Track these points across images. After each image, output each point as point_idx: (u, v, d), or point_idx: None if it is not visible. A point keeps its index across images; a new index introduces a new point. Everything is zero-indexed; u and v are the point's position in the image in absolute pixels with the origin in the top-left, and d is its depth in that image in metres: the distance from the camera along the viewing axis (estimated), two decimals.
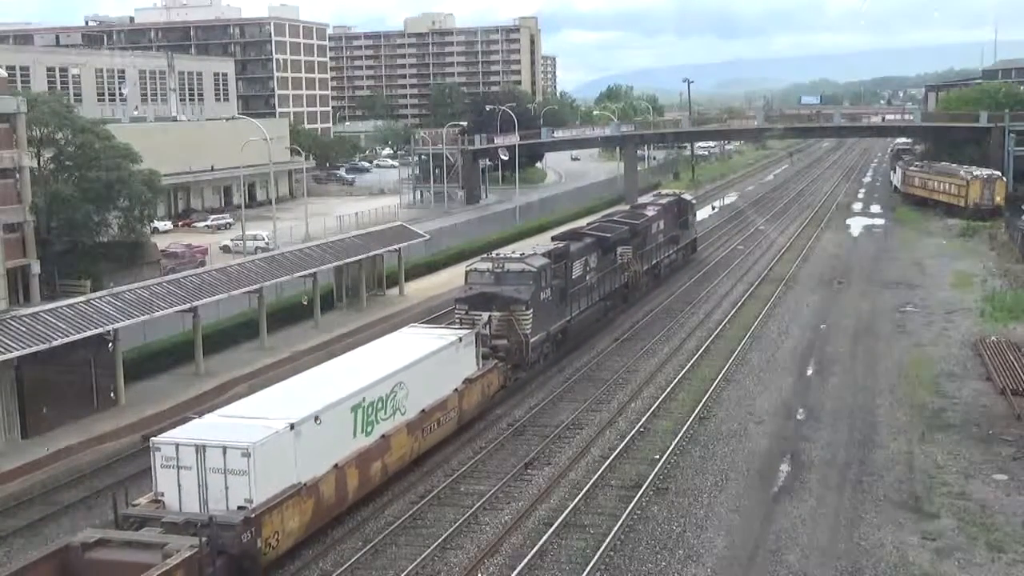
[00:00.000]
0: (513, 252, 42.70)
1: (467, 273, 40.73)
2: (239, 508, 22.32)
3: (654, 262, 57.65)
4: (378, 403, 27.59)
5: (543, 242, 49.80)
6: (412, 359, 30.14)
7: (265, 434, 23.14)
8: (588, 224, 56.46)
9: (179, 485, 22.88)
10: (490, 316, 36.83)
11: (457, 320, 36.74)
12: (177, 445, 23.03)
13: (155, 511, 22.81)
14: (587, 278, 45.47)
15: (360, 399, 26.81)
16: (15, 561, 23.48)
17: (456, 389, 32.02)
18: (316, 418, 24.72)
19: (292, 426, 23.84)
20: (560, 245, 44.85)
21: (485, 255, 44.34)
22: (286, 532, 23.26)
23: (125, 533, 22.19)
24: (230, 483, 22.49)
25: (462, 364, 32.91)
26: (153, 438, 23.99)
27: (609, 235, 49.93)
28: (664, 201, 64.88)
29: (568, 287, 42.80)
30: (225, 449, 22.52)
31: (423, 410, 29.81)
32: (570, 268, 43.23)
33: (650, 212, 59.59)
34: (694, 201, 76.75)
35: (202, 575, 20.65)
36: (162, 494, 23.09)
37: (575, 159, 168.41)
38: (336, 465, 25.31)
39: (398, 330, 35.74)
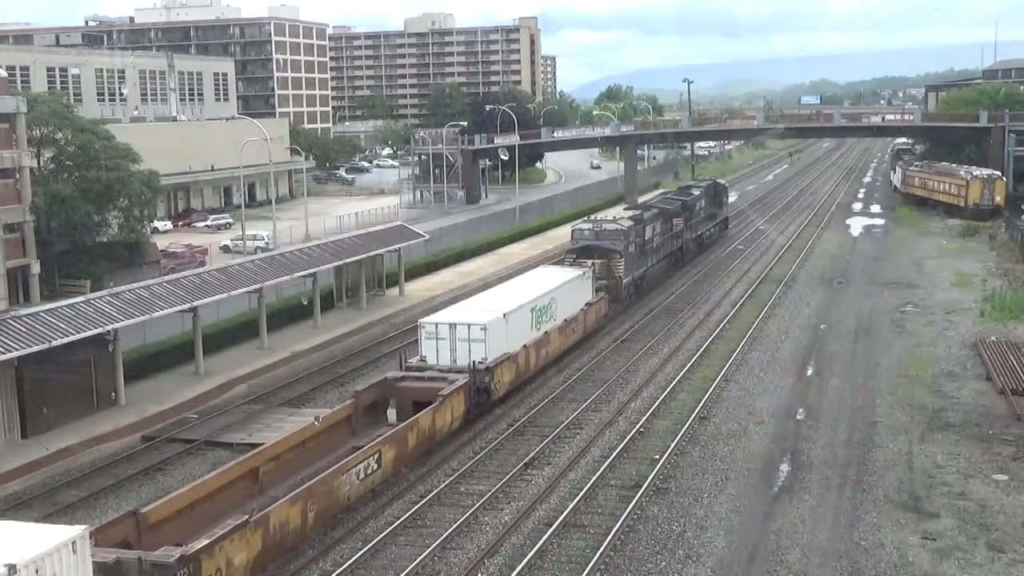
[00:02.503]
0: (605, 216, 57.24)
1: (572, 232, 53.83)
2: (479, 362, 34.15)
3: (699, 233, 70.01)
4: (543, 309, 40.16)
5: (616, 212, 64.11)
6: (559, 283, 42.78)
7: (493, 317, 35.83)
8: (648, 199, 71.50)
9: (437, 349, 35.36)
10: (593, 263, 48.06)
11: (568, 264, 48.01)
12: (436, 324, 35.77)
13: (425, 365, 35.17)
14: (654, 240, 57.22)
15: (535, 304, 39.47)
16: (358, 386, 34.55)
17: (582, 309, 44.41)
18: (516, 313, 37.30)
19: (505, 315, 36.42)
20: (637, 213, 57.67)
21: (586, 218, 58.21)
22: (503, 382, 35.54)
23: (416, 373, 34.44)
24: (472, 348, 34.74)
25: (584, 292, 45.49)
26: (420, 320, 37.07)
27: (669, 208, 62.68)
28: (704, 184, 78.12)
29: (644, 245, 54.80)
30: (469, 326, 35.09)
31: (565, 319, 42.10)
32: (644, 231, 54.84)
33: (695, 192, 72.08)
34: (727, 185, 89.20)
35: (467, 396, 32.98)
36: (425, 356, 35.55)
37: (596, 167, 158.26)
38: (524, 345, 37.48)
39: (538, 267, 50.46)
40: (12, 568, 15.67)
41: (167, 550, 20.07)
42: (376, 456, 27.11)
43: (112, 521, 21.77)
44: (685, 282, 60.13)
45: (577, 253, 49.85)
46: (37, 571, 16.04)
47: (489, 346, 34.83)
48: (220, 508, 24.22)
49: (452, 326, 35.32)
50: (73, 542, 17.00)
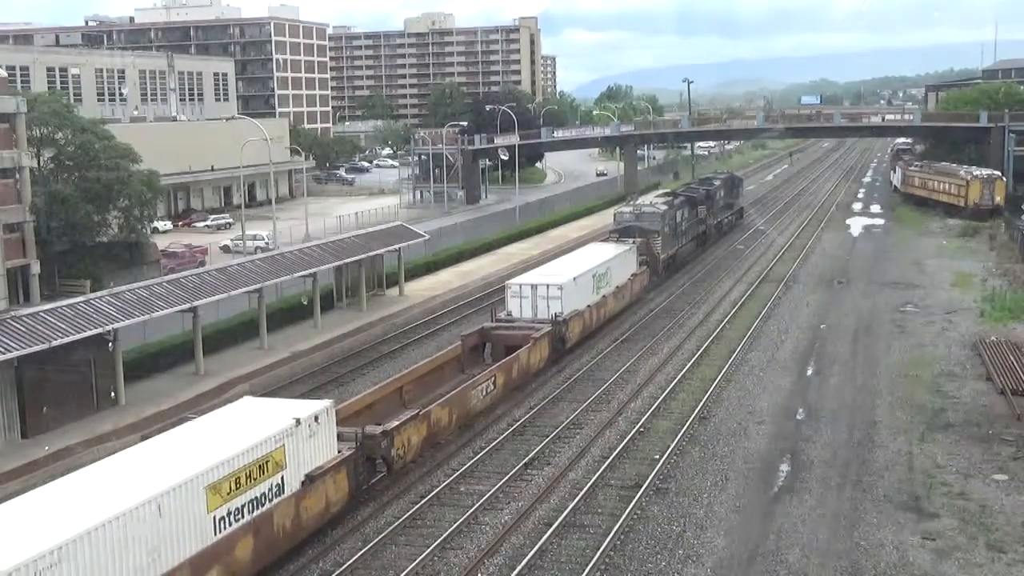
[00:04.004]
0: (643, 201, 65.84)
1: (615, 215, 62.11)
2: (554, 316, 41.65)
3: (719, 219, 77.51)
4: (601, 276, 47.72)
5: (650, 198, 69.71)
6: (611, 256, 50.52)
7: (566, 279, 43.62)
8: (676, 189, 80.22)
9: (520, 306, 43.02)
10: (634, 241, 54.89)
11: (613, 242, 54.63)
12: (520, 285, 43.69)
13: (511, 318, 42.90)
14: (683, 224, 64.69)
15: (595, 272, 47.07)
16: (464, 330, 42.52)
17: (629, 278, 51.98)
18: (582, 278, 45.11)
19: (575, 278, 44.06)
20: (669, 199, 65.08)
21: (626, 202, 71.01)
22: (575, 333, 43.03)
23: (506, 324, 42.09)
24: (550, 304, 42.37)
25: (630, 264, 53.31)
26: (507, 281, 45.88)
27: (694, 196, 70.24)
28: (723, 176, 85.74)
29: (676, 227, 62.55)
30: (548, 286, 42.83)
31: (617, 286, 49.82)
32: (676, 215, 62.53)
33: (716, 183, 79.59)
34: (743, 177, 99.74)
35: (552, 340, 40.58)
36: (510, 312, 43.30)
37: (601, 174, 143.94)
38: (588, 305, 45.11)
39: (590, 243, 57.59)
40: (297, 420, 24.01)
41: (372, 427, 27.62)
42: (493, 379, 35.27)
43: None
44: (685, 282, 60.30)
45: (620, 233, 56.67)
46: (309, 426, 24.34)
47: (563, 303, 42.53)
48: (378, 413, 31.05)
49: (534, 287, 43.11)
50: (327, 409, 25.44)
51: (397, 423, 28.31)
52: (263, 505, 22.56)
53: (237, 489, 21.75)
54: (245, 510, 21.95)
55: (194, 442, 22.77)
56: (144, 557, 19.01)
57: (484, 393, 34.53)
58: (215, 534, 21.05)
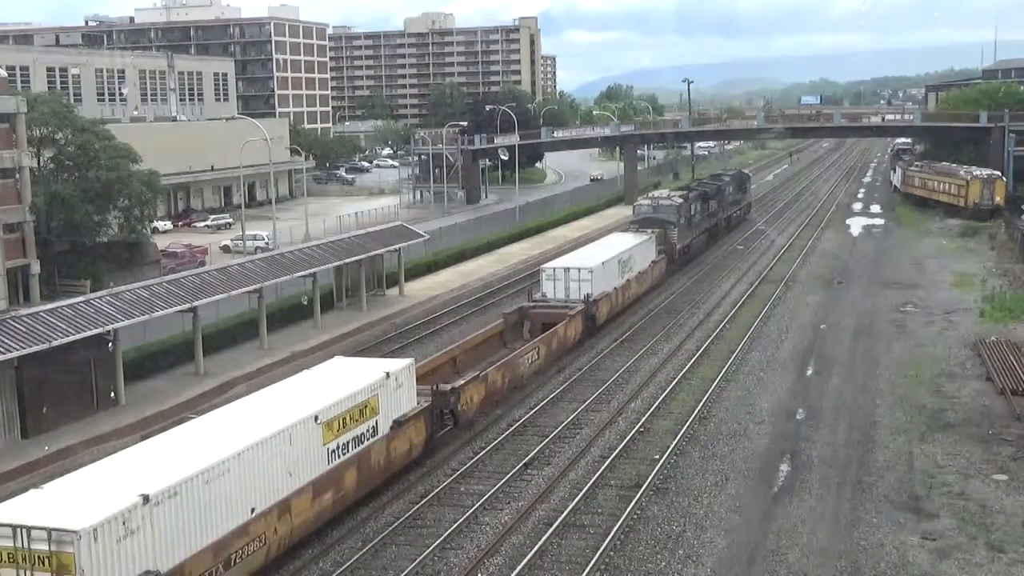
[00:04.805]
0: (661, 194, 69.87)
1: (634, 207, 67.99)
2: (586, 296, 45.41)
3: (728, 213, 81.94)
4: (625, 262, 51.61)
5: (666, 192, 74.43)
6: (633, 244, 54.56)
7: (596, 263, 47.53)
8: (689, 184, 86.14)
9: (554, 287, 46.83)
10: (653, 231, 58.55)
11: (632, 232, 58.35)
12: (554, 268, 47.64)
13: (546, 299, 46.76)
14: (697, 217, 68.84)
15: (620, 258, 51.19)
16: (503, 309, 47.36)
17: (649, 265, 56.10)
18: (609, 262, 49.12)
19: (603, 263, 48.13)
20: (683, 193, 70.10)
21: (645, 195, 74.73)
22: (603, 312, 47.03)
23: (542, 303, 46.25)
24: (581, 286, 46.08)
25: (650, 252, 57.08)
26: (542, 265, 50.09)
27: (707, 190, 75.02)
28: (732, 173, 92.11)
29: (691, 219, 66.72)
30: (579, 269, 46.66)
31: (639, 272, 53.85)
32: (690, 208, 66.77)
33: (726, 179, 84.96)
34: (750, 175, 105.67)
35: (584, 318, 44.71)
36: (544, 293, 47.11)
37: (596, 178, 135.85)
38: (615, 288, 49.09)
39: (613, 232, 62.67)
40: (388, 374, 27.95)
41: (444, 385, 31.62)
42: (537, 350, 39.51)
43: None
44: (685, 282, 60.36)
45: (639, 224, 60.36)
46: (397, 378, 28.41)
47: (593, 285, 46.10)
48: (437, 379, 33.94)
49: (566, 270, 46.89)
50: (409, 366, 29.65)
51: (463, 382, 32.52)
52: (362, 443, 26.59)
53: (343, 428, 25.74)
54: (350, 446, 25.97)
55: (305, 390, 26.81)
56: (282, 472, 23.21)
57: (530, 361, 38.63)
58: (328, 463, 24.98)
